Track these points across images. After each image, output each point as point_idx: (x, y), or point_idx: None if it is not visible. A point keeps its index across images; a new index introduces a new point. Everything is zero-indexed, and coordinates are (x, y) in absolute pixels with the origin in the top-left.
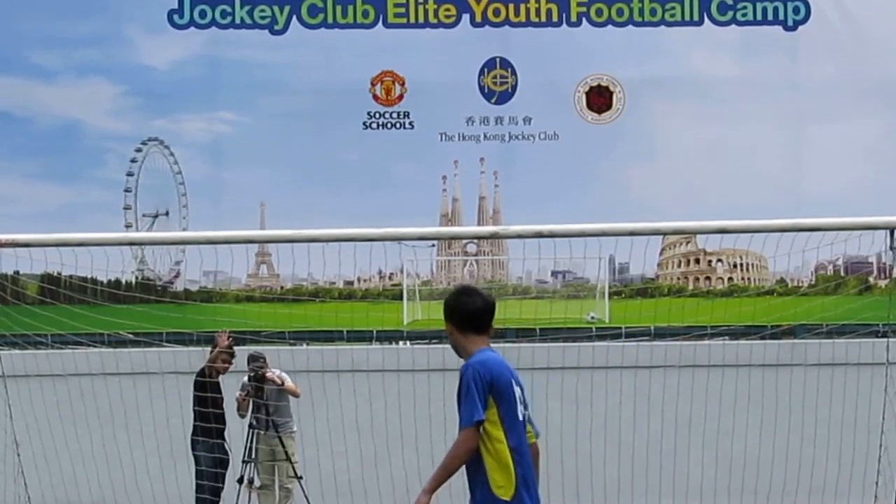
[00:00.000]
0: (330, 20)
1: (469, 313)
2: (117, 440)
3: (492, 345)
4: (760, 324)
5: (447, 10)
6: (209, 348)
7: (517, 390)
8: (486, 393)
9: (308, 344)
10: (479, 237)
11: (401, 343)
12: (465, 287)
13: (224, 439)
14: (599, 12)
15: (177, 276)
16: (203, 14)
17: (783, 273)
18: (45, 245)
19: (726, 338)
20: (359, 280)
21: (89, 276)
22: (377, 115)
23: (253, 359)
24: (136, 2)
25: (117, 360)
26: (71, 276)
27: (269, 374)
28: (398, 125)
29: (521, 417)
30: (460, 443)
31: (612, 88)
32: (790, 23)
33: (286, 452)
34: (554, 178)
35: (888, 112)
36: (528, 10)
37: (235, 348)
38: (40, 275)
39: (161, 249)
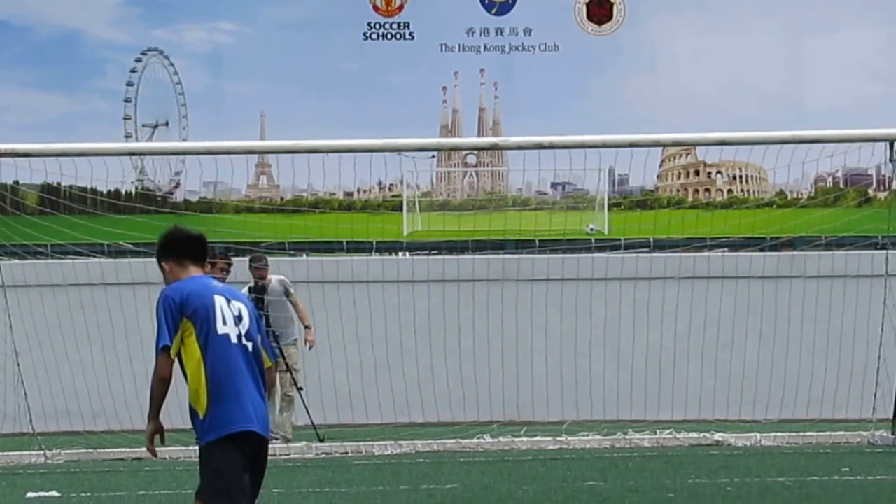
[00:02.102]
0: None
1: (181, 241)
2: (117, 351)
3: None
4: (760, 236)
5: None
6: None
7: (228, 311)
8: (177, 316)
9: (307, 255)
10: (479, 148)
11: (400, 254)
12: (172, 226)
13: None
14: None
15: (176, 186)
16: None
17: (783, 185)
18: (44, 155)
19: (725, 249)
20: (358, 191)
21: (89, 187)
22: (377, 26)
23: (255, 259)
24: None
25: (117, 270)
26: (70, 187)
27: (267, 279)
28: (398, 36)
29: (231, 337)
30: (155, 369)
31: (612, 0)
32: None
33: (286, 363)
34: (554, 90)
35: (890, 25)
36: None
37: (235, 259)
38: (40, 185)
39: (161, 160)
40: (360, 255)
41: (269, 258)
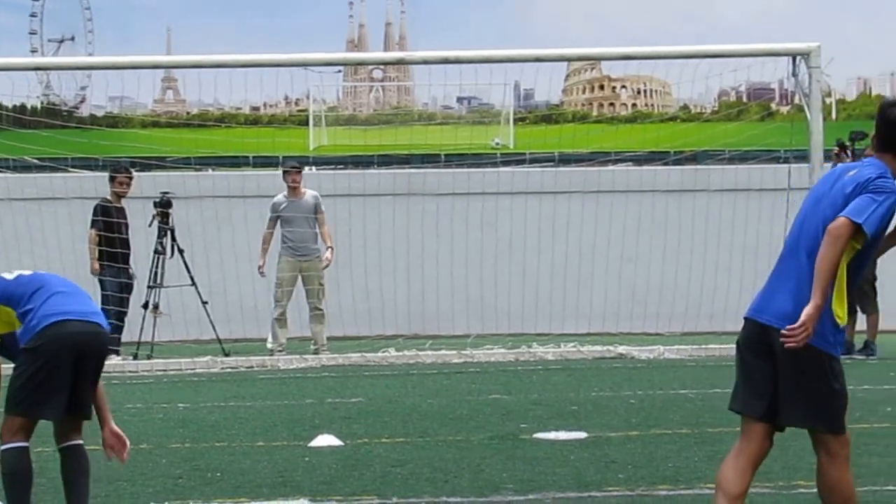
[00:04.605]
0: None
1: None
2: (22, 265)
3: (396, 170)
4: (664, 150)
5: None
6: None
7: None
8: None
9: (214, 169)
10: (386, 63)
11: (307, 168)
12: None
13: (129, 265)
14: None
15: (82, 101)
16: None
17: (686, 99)
18: None
19: (630, 163)
20: (265, 105)
21: None
22: None
23: (290, 166)
24: None
25: (23, 185)
26: None
27: (301, 191)
28: None
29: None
30: None
31: None
32: None
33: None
34: (460, 4)
35: None
36: None
37: (140, 174)
38: None
39: (67, 75)
40: (267, 170)
41: (175, 170)
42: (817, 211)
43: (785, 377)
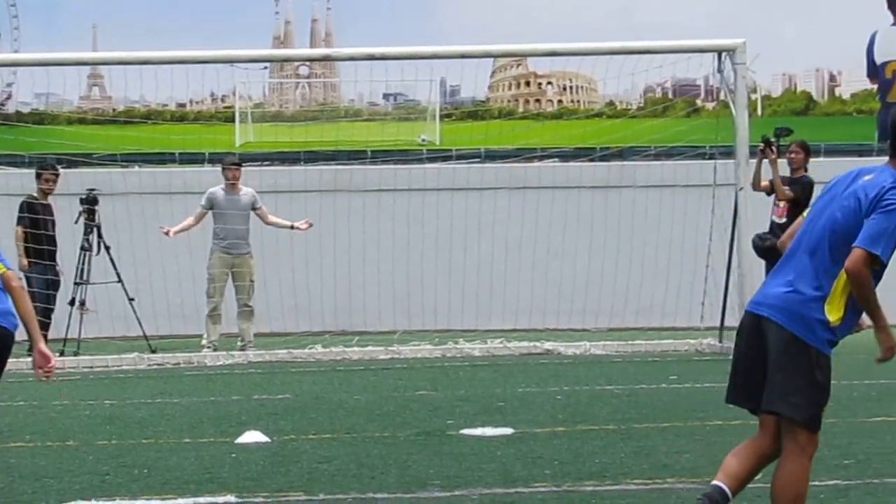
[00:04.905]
0: None
1: None
2: None
3: (322, 167)
4: (590, 146)
5: None
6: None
7: None
8: None
9: (140, 166)
10: (312, 59)
11: None
12: None
13: (55, 261)
14: None
15: (8, 97)
16: None
17: (613, 96)
18: None
19: (556, 159)
20: (191, 102)
21: None
22: None
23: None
24: None
25: None
26: None
27: (238, 188)
28: None
29: None
30: None
31: None
32: None
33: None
34: (386, 1)
35: None
36: None
37: (66, 171)
38: None
39: None
40: (193, 166)
41: (101, 167)
42: (827, 212)
43: (772, 366)
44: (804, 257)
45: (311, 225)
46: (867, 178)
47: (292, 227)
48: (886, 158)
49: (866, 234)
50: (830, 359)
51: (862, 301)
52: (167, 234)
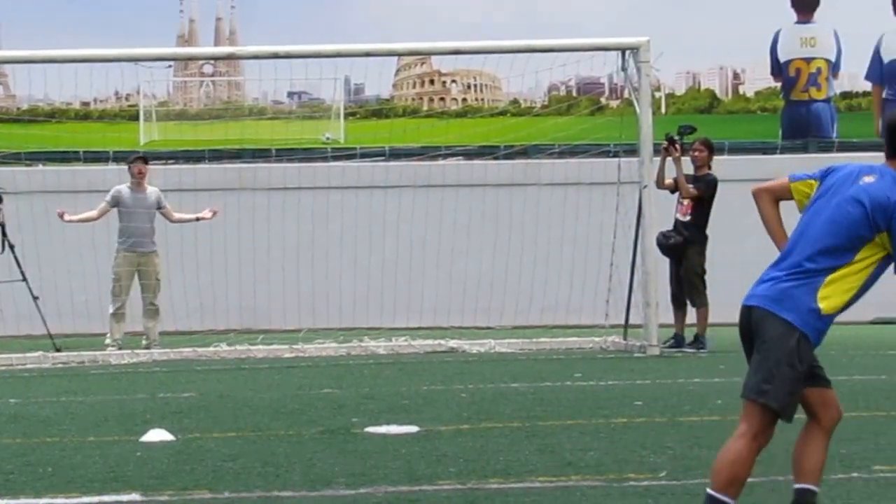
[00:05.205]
0: None
1: None
2: None
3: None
4: (494, 144)
5: None
6: None
7: None
8: None
9: (44, 165)
10: (216, 58)
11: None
12: None
13: None
14: None
15: None
16: None
17: (517, 94)
18: None
19: (460, 158)
20: (95, 101)
21: None
22: None
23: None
24: None
25: None
26: None
27: (144, 185)
28: None
29: None
30: None
31: None
32: None
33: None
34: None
35: None
36: None
37: None
38: None
39: None
40: (97, 165)
41: (5, 166)
42: (826, 213)
43: (756, 350)
44: (799, 254)
45: (216, 213)
46: (868, 179)
47: (197, 219)
48: (793, 153)
49: None
50: (813, 349)
51: None
52: (61, 216)
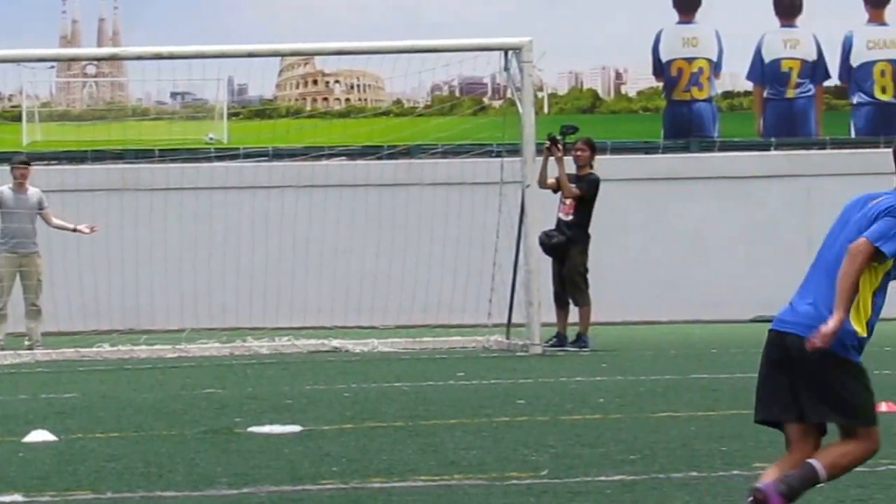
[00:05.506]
0: None
1: None
2: None
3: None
4: (377, 144)
5: None
6: None
7: None
8: None
9: None
10: (99, 59)
11: None
12: None
13: None
14: None
15: None
16: None
17: (400, 94)
18: None
19: (343, 158)
20: None
21: None
22: None
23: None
24: None
25: None
26: None
27: (26, 186)
28: None
29: None
30: None
31: None
32: None
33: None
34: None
35: None
36: None
37: None
38: None
39: None
40: None
41: None
42: (842, 236)
43: (803, 380)
44: (823, 280)
45: (94, 229)
46: (875, 201)
47: (75, 230)
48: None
49: (873, 230)
50: (861, 363)
51: (841, 277)
52: None
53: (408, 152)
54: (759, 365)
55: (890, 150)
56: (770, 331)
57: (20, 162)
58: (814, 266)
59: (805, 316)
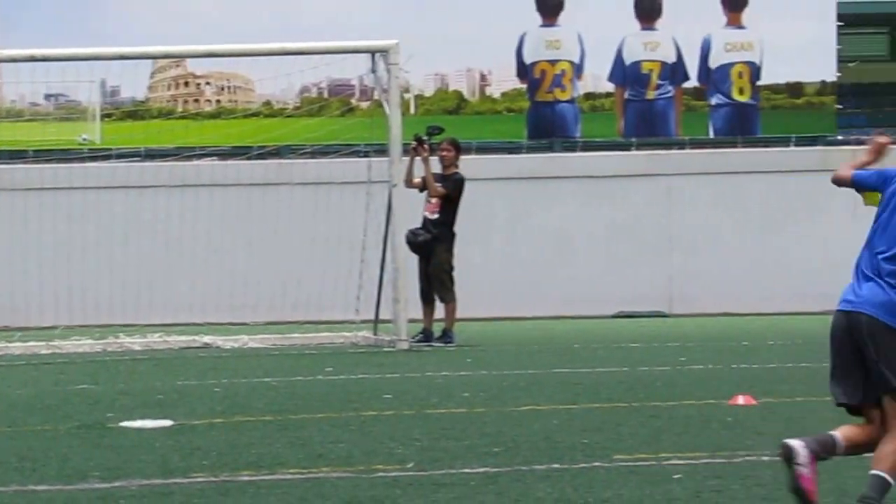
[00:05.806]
0: None
1: None
2: None
3: None
4: (247, 145)
5: None
6: None
7: None
8: None
9: None
10: None
11: None
12: None
13: None
14: None
15: None
16: None
17: (269, 95)
18: None
19: (215, 158)
20: None
21: None
22: None
23: None
24: None
25: None
26: None
27: None
28: None
29: None
30: None
31: None
32: None
33: None
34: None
35: None
36: None
37: None
38: None
39: None
40: None
41: None
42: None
43: (871, 355)
44: (879, 256)
45: None
46: None
47: None
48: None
49: None
50: None
51: None
52: None
53: (277, 153)
54: (831, 352)
55: (747, 150)
56: (838, 311)
57: None
58: (868, 245)
59: (871, 293)
